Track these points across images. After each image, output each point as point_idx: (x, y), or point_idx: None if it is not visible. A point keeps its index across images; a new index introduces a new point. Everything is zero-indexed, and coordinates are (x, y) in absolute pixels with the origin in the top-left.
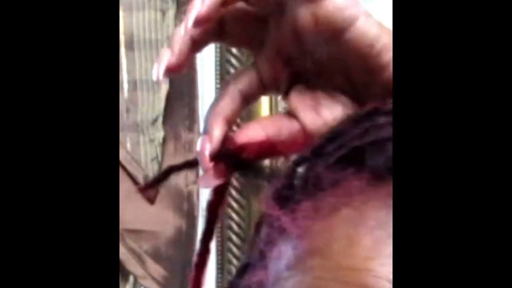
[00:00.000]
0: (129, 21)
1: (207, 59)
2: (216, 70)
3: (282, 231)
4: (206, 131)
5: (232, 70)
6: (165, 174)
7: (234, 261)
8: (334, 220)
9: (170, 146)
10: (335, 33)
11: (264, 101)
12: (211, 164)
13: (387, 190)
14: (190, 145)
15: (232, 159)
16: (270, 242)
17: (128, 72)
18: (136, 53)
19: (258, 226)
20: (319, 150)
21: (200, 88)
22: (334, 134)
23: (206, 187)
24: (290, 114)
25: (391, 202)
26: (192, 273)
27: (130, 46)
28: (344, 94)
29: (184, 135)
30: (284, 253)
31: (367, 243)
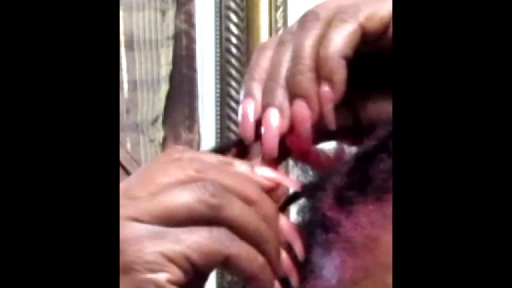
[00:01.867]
0: (129, 21)
1: (207, 59)
2: (216, 70)
3: (346, 239)
4: (249, 94)
5: (232, 70)
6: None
7: None
8: None
9: (170, 146)
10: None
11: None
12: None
13: None
14: (190, 145)
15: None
16: (329, 249)
17: (128, 72)
18: (136, 53)
19: (312, 224)
20: (383, 144)
21: (200, 88)
22: None
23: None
24: (342, 102)
25: None
26: None
27: (130, 46)
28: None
29: (184, 135)
30: (347, 263)
31: None
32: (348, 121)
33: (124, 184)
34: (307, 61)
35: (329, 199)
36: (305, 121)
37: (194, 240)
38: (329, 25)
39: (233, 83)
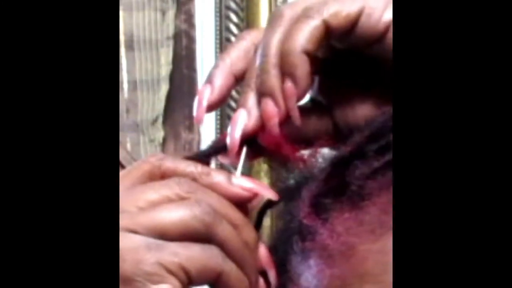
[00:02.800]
0: (129, 21)
1: (207, 59)
2: None
3: (322, 247)
4: (208, 80)
5: None
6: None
7: None
8: (388, 242)
9: (170, 146)
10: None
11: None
12: (203, 115)
13: None
14: (190, 145)
15: (254, 144)
16: (306, 257)
17: (128, 72)
18: (136, 53)
19: (289, 231)
20: (358, 150)
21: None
22: (375, 132)
23: (227, 163)
24: (322, 107)
25: None
26: None
27: (130, 46)
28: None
29: (184, 135)
30: (324, 272)
31: None
32: (328, 127)
33: None
34: (271, 59)
35: (305, 207)
36: (271, 118)
37: (190, 254)
38: (294, 22)
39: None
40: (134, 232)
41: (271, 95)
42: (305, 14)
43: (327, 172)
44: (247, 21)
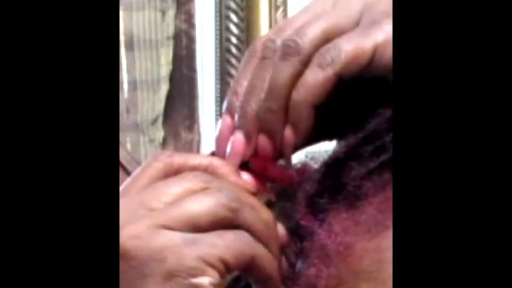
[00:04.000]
0: (129, 21)
1: (207, 59)
2: (216, 70)
3: (320, 246)
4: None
5: (232, 70)
6: None
7: None
8: (383, 240)
9: (170, 146)
10: None
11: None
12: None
13: None
14: (190, 145)
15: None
16: (304, 257)
17: (128, 72)
18: (136, 53)
19: (287, 231)
20: (354, 151)
21: (200, 88)
22: (370, 133)
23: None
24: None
25: None
26: None
27: (130, 46)
28: None
29: (184, 135)
30: (322, 271)
31: None
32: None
33: (136, 195)
34: (280, 102)
35: (301, 207)
36: (266, 154)
37: (226, 243)
38: (307, 62)
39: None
40: (168, 228)
41: (271, 136)
42: (317, 63)
43: (321, 173)
44: (247, 21)
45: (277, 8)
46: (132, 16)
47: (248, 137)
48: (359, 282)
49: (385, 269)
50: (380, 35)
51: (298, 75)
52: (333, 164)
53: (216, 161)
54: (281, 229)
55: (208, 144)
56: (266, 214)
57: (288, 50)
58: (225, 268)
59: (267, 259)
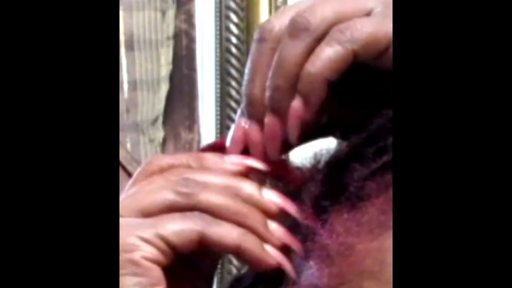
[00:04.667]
0: (129, 21)
1: (207, 59)
2: (216, 70)
3: (322, 247)
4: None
5: (232, 70)
6: None
7: (234, 261)
8: (386, 241)
9: (170, 146)
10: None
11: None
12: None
13: None
14: (190, 145)
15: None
16: (307, 257)
17: (128, 72)
18: (136, 53)
19: (290, 232)
20: (356, 152)
21: (200, 88)
22: (372, 134)
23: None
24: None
25: None
26: None
27: (130, 46)
28: None
29: (184, 135)
30: (323, 271)
31: None
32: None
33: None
34: (289, 79)
35: (305, 208)
36: (275, 139)
37: (166, 222)
38: (320, 39)
39: (233, 83)
40: (121, 216)
41: (280, 115)
42: (335, 38)
43: (324, 174)
44: (247, 21)
45: (277, 8)
46: (132, 16)
47: (257, 120)
48: (362, 281)
49: (388, 269)
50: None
51: (309, 51)
52: (335, 165)
53: (201, 154)
54: (268, 195)
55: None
56: (245, 189)
57: (298, 26)
58: (166, 245)
59: (222, 231)
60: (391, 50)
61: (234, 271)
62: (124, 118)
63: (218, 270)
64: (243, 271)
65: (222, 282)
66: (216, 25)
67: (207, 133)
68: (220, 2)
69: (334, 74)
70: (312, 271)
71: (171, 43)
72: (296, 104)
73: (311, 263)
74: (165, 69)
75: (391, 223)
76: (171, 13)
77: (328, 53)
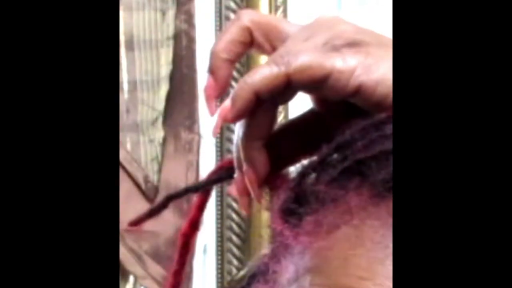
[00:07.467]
0: (129, 21)
1: (207, 59)
2: None
3: (285, 246)
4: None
5: None
6: (164, 204)
7: (234, 261)
8: (333, 239)
9: (170, 146)
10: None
11: None
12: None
13: (388, 208)
14: (190, 145)
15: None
16: (275, 256)
17: (128, 72)
18: (136, 53)
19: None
20: (325, 160)
21: (200, 88)
22: (341, 143)
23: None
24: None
25: (391, 221)
26: None
27: (130, 46)
28: None
29: (184, 135)
30: (286, 268)
31: (363, 263)
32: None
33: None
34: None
35: (275, 213)
36: (251, 185)
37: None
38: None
39: (233, 83)
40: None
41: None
42: (275, 60)
43: (295, 181)
44: None
45: (277, 8)
46: (132, 16)
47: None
48: (310, 277)
49: (331, 264)
50: (339, 62)
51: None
52: (304, 173)
53: None
54: None
55: (208, 144)
56: None
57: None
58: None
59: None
60: (330, 81)
61: (234, 271)
62: (124, 118)
63: (218, 270)
64: (243, 271)
65: (222, 282)
66: (216, 25)
67: (207, 133)
68: (220, 2)
69: (263, 88)
70: (275, 268)
71: (171, 43)
72: (226, 103)
73: (276, 261)
74: (165, 69)
75: (343, 224)
76: (171, 13)
77: (264, 70)
